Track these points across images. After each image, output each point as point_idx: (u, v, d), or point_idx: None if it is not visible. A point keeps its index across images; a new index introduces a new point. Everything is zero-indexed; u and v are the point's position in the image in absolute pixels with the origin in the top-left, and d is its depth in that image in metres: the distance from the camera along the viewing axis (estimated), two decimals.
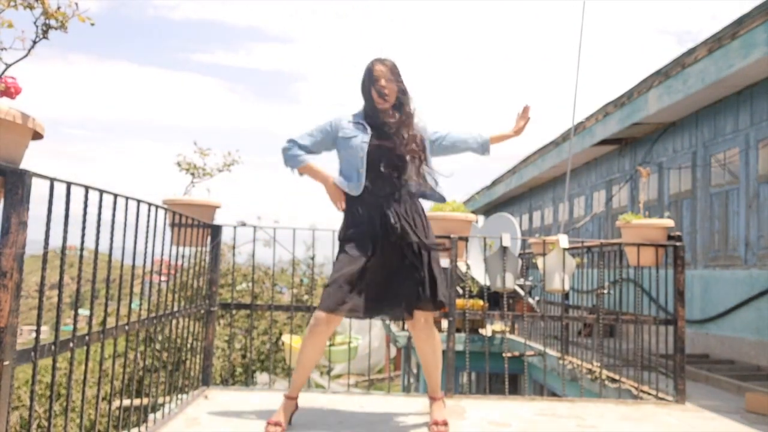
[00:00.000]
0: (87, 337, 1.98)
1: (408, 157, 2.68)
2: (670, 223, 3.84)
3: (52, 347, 1.76)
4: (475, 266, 5.35)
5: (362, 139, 2.69)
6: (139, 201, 2.23)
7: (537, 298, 7.81)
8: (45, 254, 1.67)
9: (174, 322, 2.89)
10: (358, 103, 2.82)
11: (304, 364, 2.72)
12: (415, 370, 11.25)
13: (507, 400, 3.51)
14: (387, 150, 2.66)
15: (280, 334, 11.05)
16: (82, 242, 1.88)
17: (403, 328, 8.37)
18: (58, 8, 1.69)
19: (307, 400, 3.28)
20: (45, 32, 1.69)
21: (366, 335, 14.18)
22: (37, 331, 1.68)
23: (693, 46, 6.07)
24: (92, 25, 1.78)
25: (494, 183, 15.47)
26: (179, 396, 3.07)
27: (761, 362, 5.43)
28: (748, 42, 5.22)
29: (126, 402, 2.36)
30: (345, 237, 2.70)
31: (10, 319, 1.51)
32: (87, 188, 1.85)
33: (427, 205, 2.96)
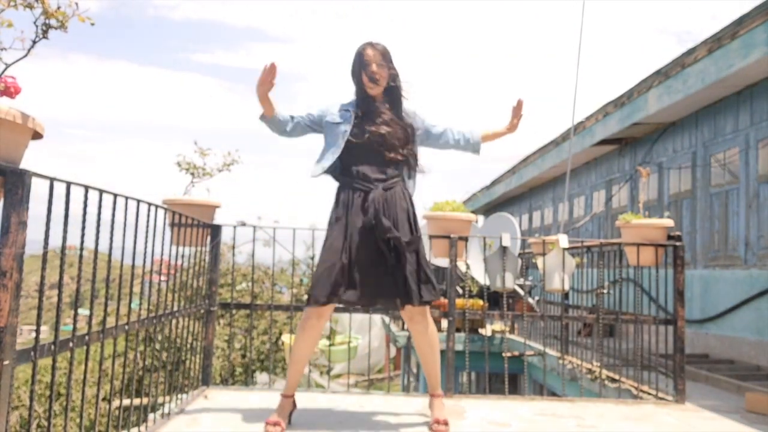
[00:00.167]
0: (87, 337, 1.97)
1: (396, 143, 2.66)
2: (670, 223, 3.84)
3: (52, 347, 1.76)
4: (475, 266, 5.35)
5: (345, 128, 2.68)
6: (139, 201, 2.23)
7: (537, 297, 7.81)
8: (45, 254, 1.67)
9: (174, 321, 2.89)
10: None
11: (298, 360, 2.71)
12: (414, 370, 11.25)
13: (507, 400, 3.51)
14: (376, 136, 2.64)
15: (280, 333, 11.04)
16: (82, 242, 1.88)
17: (402, 328, 8.37)
18: (58, 8, 1.69)
19: (307, 400, 3.28)
20: (45, 32, 1.68)
21: (366, 335, 14.18)
22: (37, 331, 1.68)
23: (693, 46, 6.08)
24: (92, 24, 1.78)
25: (494, 183, 15.47)
26: (179, 396, 3.07)
27: (761, 362, 5.43)
28: (748, 42, 5.22)
29: (126, 402, 2.36)
30: (331, 222, 2.68)
31: (10, 319, 1.51)
32: (87, 188, 1.85)
33: (427, 204, 2.96)
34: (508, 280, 3.91)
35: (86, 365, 1.87)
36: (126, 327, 2.27)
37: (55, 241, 1.74)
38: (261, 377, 12.12)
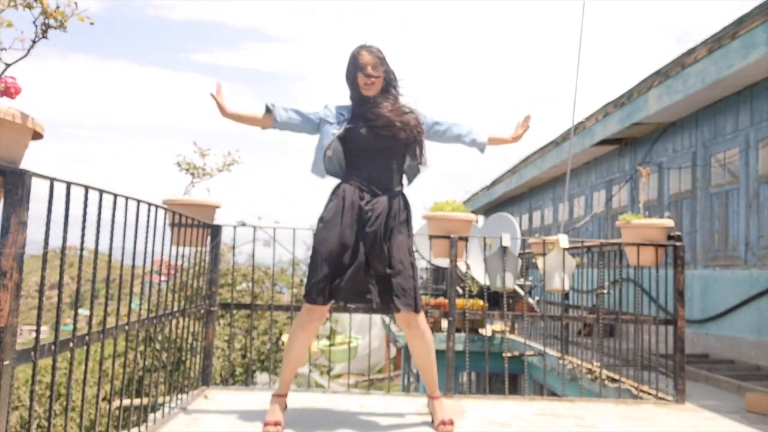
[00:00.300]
0: (87, 337, 1.97)
1: (393, 144, 2.67)
2: (670, 223, 3.84)
3: (52, 347, 1.76)
4: (475, 266, 5.36)
5: (335, 129, 2.69)
6: (139, 201, 2.23)
7: (537, 297, 7.81)
8: (45, 254, 1.67)
9: (174, 322, 2.89)
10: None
11: (294, 361, 2.72)
12: (415, 370, 11.25)
13: (507, 400, 3.51)
14: (372, 137, 2.65)
15: (280, 334, 11.05)
16: (82, 242, 1.88)
17: None
18: (57, 8, 1.69)
19: (307, 400, 3.28)
20: (44, 32, 1.68)
21: (366, 335, 14.18)
22: (37, 331, 1.68)
23: (693, 46, 6.08)
24: (91, 24, 1.78)
25: (494, 183, 15.47)
26: (179, 396, 3.07)
27: (761, 362, 5.43)
28: (748, 42, 5.22)
29: (126, 402, 2.36)
30: (324, 218, 2.66)
31: (10, 319, 1.51)
32: (87, 188, 1.85)
33: (427, 204, 2.96)
34: (508, 280, 3.91)
35: (86, 365, 1.87)
36: (126, 327, 2.27)
37: (55, 241, 1.74)
38: (261, 377, 12.13)
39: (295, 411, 2.97)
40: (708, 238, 6.73)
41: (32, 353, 1.66)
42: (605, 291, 4.21)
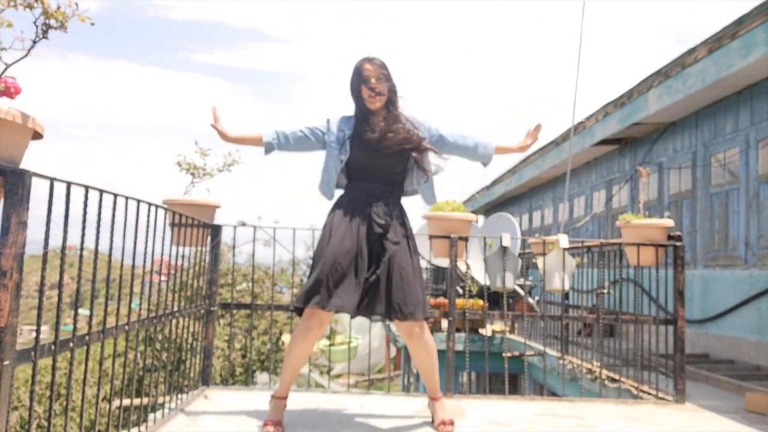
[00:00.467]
0: (87, 337, 1.97)
1: (399, 157, 2.67)
2: (670, 223, 3.84)
3: (52, 347, 1.76)
4: (475, 266, 5.36)
5: (343, 155, 2.68)
6: (139, 201, 2.23)
7: (537, 297, 7.81)
8: (45, 254, 1.67)
9: (174, 321, 2.89)
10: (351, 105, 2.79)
11: (295, 365, 2.71)
12: (415, 370, 11.25)
13: (507, 400, 3.51)
14: (371, 156, 2.64)
15: (280, 334, 11.05)
16: (82, 242, 1.88)
17: None
18: (58, 8, 1.69)
19: (307, 400, 3.28)
20: (45, 32, 1.68)
21: (366, 335, 14.18)
22: (37, 331, 1.68)
23: (693, 46, 6.08)
24: (92, 24, 1.78)
25: (494, 183, 15.47)
26: (179, 396, 3.07)
27: (761, 362, 5.43)
28: (748, 42, 5.22)
29: (126, 402, 2.36)
30: (326, 227, 2.66)
31: (10, 319, 1.51)
32: (87, 188, 1.85)
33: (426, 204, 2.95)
34: (508, 280, 3.91)
35: (86, 365, 1.87)
36: (126, 327, 2.27)
37: (55, 241, 1.74)
38: (261, 377, 12.14)
39: (295, 411, 2.97)
40: (708, 238, 6.73)
41: (32, 353, 1.66)
42: (605, 291, 4.21)
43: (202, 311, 3.47)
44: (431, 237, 3.69)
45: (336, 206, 2.71)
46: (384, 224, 2.62)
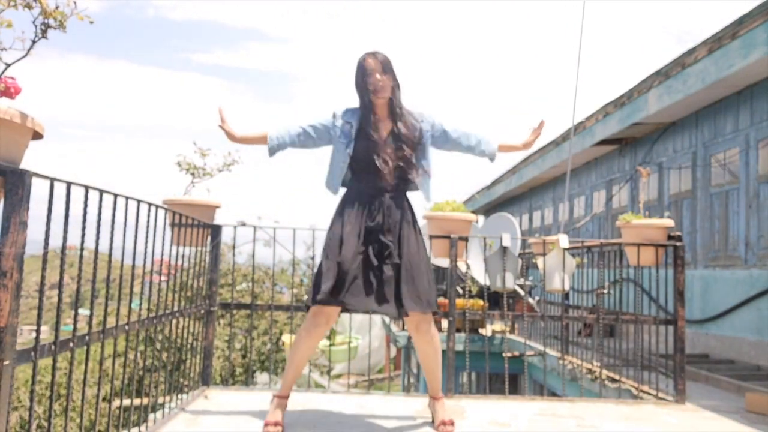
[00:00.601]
0: (87, 337, 1.97)
1: (400, 153, 2.67)
2: (670, 223, 3.84)
3: (52, 347, 1.76)
4: (475, 266, 5.35)
5: (349, 149, 2.68)
6: (139, 201, 2.23)
7: (537, 298, 7.81)
8: (45, 254, 1.67)
9: (174, 322, 2.89)
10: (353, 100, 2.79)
11: (299, 364, 2.72)
12: (415, 370, 11.25)
13: (507, 400, 3.51)
14: (380, 146, 2.65)
15: (280, 334, 11.04)
16: (82, 242, 1.88)
17: (403, 328, 8.37)
18: (57, 7, 1.69)
19: (307, 400, 3.28)
20: (44, 32, 1.68)
21: (366, 335, 14.19)
22: (37, 331, 1.68)
23: (693, 46, 6.08)
24: (91, 23, 1.78)
25: (494, 183, 15.47)
26: (179, 396, 3.07)
27: (761, 362, 5.43)
28: (748, 42, 5.22)
29: (126, 402, 2.36)
30: (332, 222, 2.67)
31: (10, 319, 1.51)
32: (87, 188, 1.85)
33: (427, 204, 2.95)
34: (508, 280, 3.91)
35: (86, 365, 1.88)
36: (126, 327, 2.27)
37: (55, 242, 1.74)
38: (261, 377, 12.13)
39: (295, 411, 2.97)
40: (708, 238, 6.73)
41: (32, 353, 1.66)
42: (605, 291, 4.21)
43: (202, 311, 3.46)
44: (431, 237, 3.69)
45: (343, 201, 2.71)
46: (391, 218, 2.63)
